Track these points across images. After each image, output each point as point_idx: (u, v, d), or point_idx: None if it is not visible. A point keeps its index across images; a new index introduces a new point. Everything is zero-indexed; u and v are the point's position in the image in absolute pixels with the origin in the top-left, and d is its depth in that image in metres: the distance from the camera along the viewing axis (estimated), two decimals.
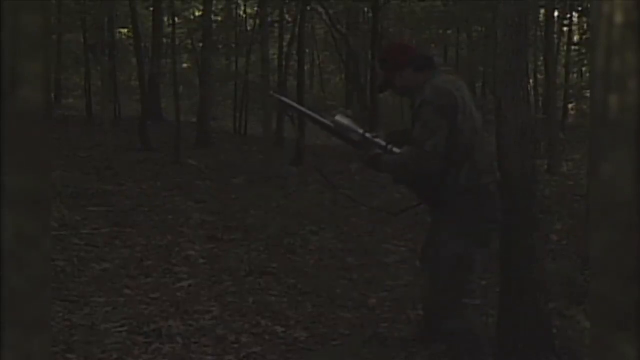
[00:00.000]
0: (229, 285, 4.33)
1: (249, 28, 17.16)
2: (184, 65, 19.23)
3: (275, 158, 9.54)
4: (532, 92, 16.05)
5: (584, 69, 18.16)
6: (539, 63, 15.57)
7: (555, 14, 14.51)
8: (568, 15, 16.78)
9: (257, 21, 14.93)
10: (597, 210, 0.75)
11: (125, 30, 19.53)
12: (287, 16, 14.55)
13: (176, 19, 12.12)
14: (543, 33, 12.42)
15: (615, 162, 0.77)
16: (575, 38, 17.79)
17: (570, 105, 17.30)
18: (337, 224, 6.29)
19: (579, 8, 15.20)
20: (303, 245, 5.40)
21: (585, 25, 16.54)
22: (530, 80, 15.85)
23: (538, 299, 3.09)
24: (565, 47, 16.55)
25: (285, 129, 14.07)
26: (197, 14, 16.51)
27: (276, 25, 14.14)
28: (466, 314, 2.69)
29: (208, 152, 11.29)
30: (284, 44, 14.25)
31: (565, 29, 17.20)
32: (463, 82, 2.93)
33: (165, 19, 15.86)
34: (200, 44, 13.74)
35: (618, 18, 0.77)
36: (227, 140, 13.76)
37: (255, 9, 16.40)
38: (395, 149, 2.82)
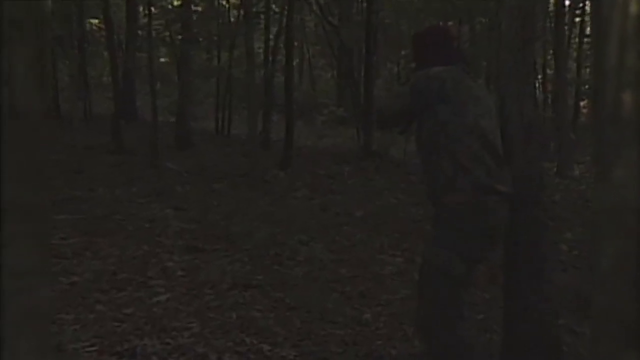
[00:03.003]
0: (211, 299, 4.31)
1: (232, 19, 17.17)
2: (162, 59, 19.23)
3: (261, 161, 9.53)
4: (541, 89, 16.12)
5: None
6: (549, 57, 15.62)
7: (567, 3, 14.54)
8: (580, 5, 16.64)
9: (241, 12, 14.94)
10: (604, 217, 0.75)
11: (97, 20, 19.46)
12: (274, 6, 14.59)
13: (153, 8, 12.11)
14: (553, 24, 12.48)
15: (627, 164, 0.76)
16: (588, 30, 17.77)
17: (582, 104, 17.15)
18: (328, 232, 6.30)
19: None
20: (291, 256, 5.39)
21: (589, 16, 16.52)
22: (539, 76, 15.89)
23: (546, 314, 3.07)
24: (577, 40, 16.44)
25: (273, 130, 14.07)
26: (175, 3, 16.52)
27: (262, 16, 14.16)
28: (459, 328, 2.72)
29: (188, 155, 11.28)
30: (271, 37, 14.28)
31: (577, 19, 17.13)
32: (475, 83, 2.95)
33: (141, 8, 15.85)
34: (179, 37, 13.74)
35: (633, 9, 0.76)
36: (209, 141, 13.75)
37: None
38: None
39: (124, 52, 14.67)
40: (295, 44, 17.58)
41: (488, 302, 4.34)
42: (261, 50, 15.23)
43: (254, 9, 12.81)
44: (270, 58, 14.25)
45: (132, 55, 14.34)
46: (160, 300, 4.26)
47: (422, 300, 2.81)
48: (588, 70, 18.42)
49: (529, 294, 3.07)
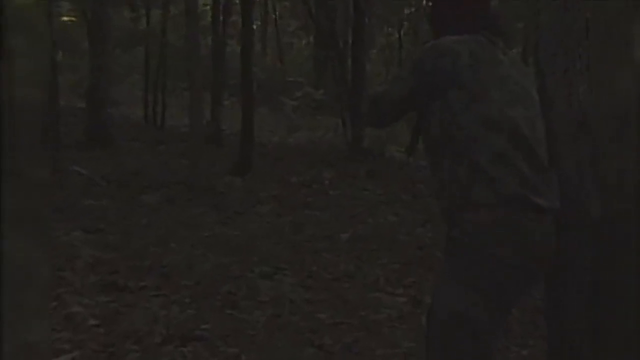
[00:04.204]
0: (136, 357, 4.29)
1: None
2: (64, 18, 18.98)
3: (209, 163, 9.51)
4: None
5: None
6: None
7: None
8: None
9: None
10: None
11: None
12: None
13: None
14: None
15: None
16: None
17: None
18: (302, 262, 6.30)
19: None
20: (250, 295, 5.38)
21: None
22: None
23: None
24: None
25: (225, 119, 14.07)
26: None
27: None
28: None
29: (105, 155, 11.23)
30: None
31: None
32: (507, 56, 2.92)
33: None
34: None
35: None
36: (135, 136, 13.71)
37: None
38: None
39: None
40: None
41: None
42: (208, 8, 15.23)
43: None
44: (221, 18, 14.24)
45: None
46: None
47: (427, 354, 2.81)
48: None
49: (588, 353, 3.04)
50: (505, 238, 2.71)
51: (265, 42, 24.94)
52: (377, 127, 3.21)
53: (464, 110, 2.76)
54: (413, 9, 17.38)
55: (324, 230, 7.48)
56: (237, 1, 13.60)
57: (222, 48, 14.34)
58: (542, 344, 3.33)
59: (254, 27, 14.43)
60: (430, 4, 3.14)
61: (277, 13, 24.26)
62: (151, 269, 5.87)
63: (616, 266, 2.94)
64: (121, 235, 6.81)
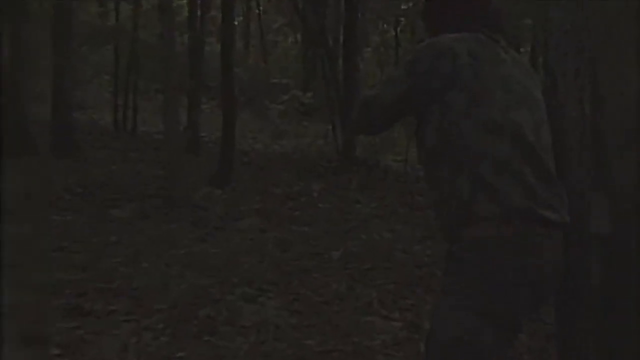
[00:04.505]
0: None
1: None
2: None
3: (185, 173, 9.49)
4: None
5: None
6: None
7: None
8: None
9: None
10: None
11: None
12: None
13: None
14: None
15: None
16: None
17: None
18: (288, 283, 6.31)
19: None
20: (231, 320, 5.38)
21: None
22: None
23: None
24: None
25: (204, 125, 14.05)
26: None
27: None
28: None
29: (71, 164, 11.20)
30: None
31: None
32: (509, 55, 2.95)
33: None
34: None
35: None
36: (104, 143, 13.68)
37: None
38: None
39: None
40: None
41: None
42: (184, 2, 15.24)
43: None
44: (199, 13, 14.25)
45: None
46: None
47: None
48: None
49: None
50: (510, 255, 2.72)
51: (247, 40, 24.97)
52: (367, 134, 3.22)
53: (464, 115, 2.76)
54: (411, 4, 17.38)
55: (313, 248, 7.50)
56: None
57: (200, 46, 14.33)
58: None
59: (236, 23, 14.44)
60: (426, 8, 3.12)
61: (260, 8, 24.30)
62: (121, 291, 5.85)
63: (627, 284, 2.98)
64: (88, 253, 6.79)
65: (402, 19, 18.33)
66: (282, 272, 6.62)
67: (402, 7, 17.72)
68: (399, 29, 19.40)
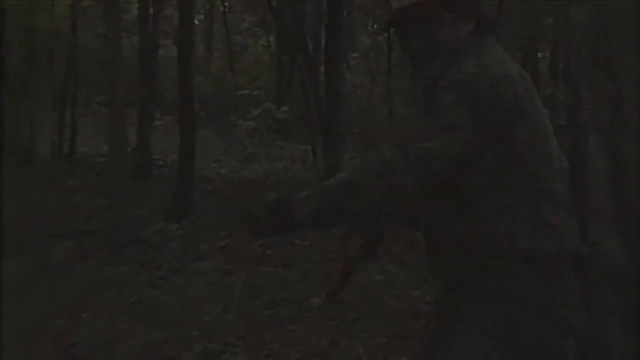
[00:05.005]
0: None
1: None
2: None
3: (135, 204, 9.48)
4: None
5: None
6: None
7: None
8: None
9: None
10: None
11: None
12: None
13: None
14: None
15: None
16: None
17: None
18: (258, 335, 6.31)
19: None
20: None
21: None
22: None
23: None
24: None
25: (157, 145, 14.03)
26: None
27: None
28: None
29: None
30: None
31: None
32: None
33: None
34: None
35: None
36: None
37: None
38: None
39: None
40: None
41: None
42: None
43: None
44: (151, 11, 14.27)
45: None
46: None
47: None
48: None
49: None
50: (552, 281, 2.86)
51: (210, 43, 25.02)
52: (412, 200, 3.03)
53: (529, 147, 2.83)
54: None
55: (289, 294, 7.49)
56: None
57: (153, 50, 14.35)
58: None
59: (196, 22, 14.47)
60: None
61: (226, 4, 24.33)
62: (56, 347, 5.80)
63: None
64: None
65: None
66: (251, 323, 6.62)
67: None
68: (392, 30, 19.43)
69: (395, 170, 2.75)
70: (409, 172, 2.76)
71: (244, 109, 19.37)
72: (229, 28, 24.37)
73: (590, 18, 3.17)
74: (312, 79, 13.71)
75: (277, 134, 18.06)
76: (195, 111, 11.36)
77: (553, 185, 2.87)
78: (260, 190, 12.80)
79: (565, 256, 2.87)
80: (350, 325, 6.64)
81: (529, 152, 2.83)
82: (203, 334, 6.23)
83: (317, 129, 13.38)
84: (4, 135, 1.88)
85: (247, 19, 24.80)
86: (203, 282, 7.78)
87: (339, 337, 6.35)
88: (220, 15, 24.73)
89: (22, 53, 1.93)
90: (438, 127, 2.76)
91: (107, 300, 6.92)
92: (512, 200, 2.84)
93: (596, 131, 3.12)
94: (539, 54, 17.00)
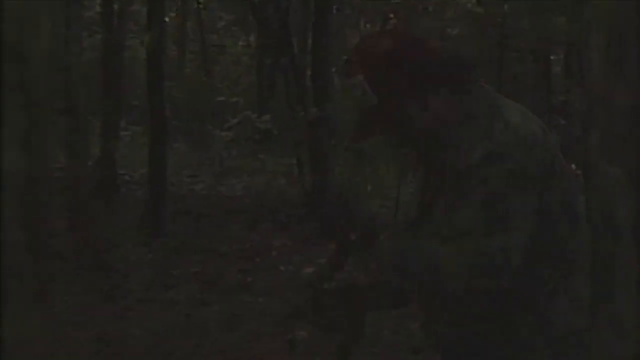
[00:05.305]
0: None
1: None
2: None
3: (97, 225, 9.46)
4: None
5: None
6: None
7: None
8: None
9: None
10: None
11: None
12: None
13: None
14: None
15: None
16: None
17: None
18: None
19: None
20: None
21: None
22: None
23: None
24: None
25: (125, 157, 14.03)
26: None
27: None
28: None
29: None
30: None
31: None
32: None
33: None
34: None
35: None
36: None
37: None
38: None
39: None
40: None
41: None
42: None
43: None
44: (116, 7, 14.28)
45: None
46: None
47: None
48: None
49: None
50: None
51: (183, 44, 25.06)
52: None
53: (560, 216, 2.89)
54: None
55: (271, 326, 7.44)
56: None
57: (119, 52, 14.34)
58: None
59: (167, 20, 14.45)
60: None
61: (200, 0, 24.38)
62: None
63: None
64: None
65: (392, 15, 18.42)
66: (229, 359, 6.61)
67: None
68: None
69: (489, 272, 2.80)
70: (498, 271, 2.78)
71: (221, 118, 19.44)
72: (204, 27, 24.45)
73: (608, 18, 3.18)
74: (298, 83, 13.71)
75: (258, 145, 18.06)
76: (167, 120, 11.33)
77: (580, 249, 2.88)
78: (239, 209, 12.83)
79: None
80: None
81: (557, 219, 2.89)
82: None
83: (302, 140, 13.36)
84: None
85: (224, 17, 24.89)
86: (175, 313, 7.78)
87: None
88: (194, 14, 24.75)
89: None
90: (504, 219, 2.77)
91: (66, 334, 6.87)
92: (545, 272, 2.92)
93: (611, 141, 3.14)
94: (552, 57, 17.01)
